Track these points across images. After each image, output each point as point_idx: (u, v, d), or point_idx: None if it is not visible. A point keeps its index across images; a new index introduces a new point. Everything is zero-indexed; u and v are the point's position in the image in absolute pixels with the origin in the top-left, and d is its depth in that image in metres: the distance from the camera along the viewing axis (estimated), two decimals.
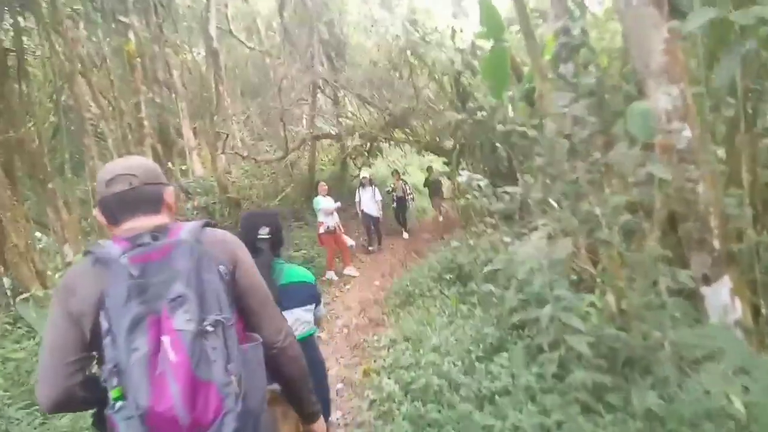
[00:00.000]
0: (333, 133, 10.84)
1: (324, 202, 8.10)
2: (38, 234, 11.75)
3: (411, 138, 12.07)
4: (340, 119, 11.21)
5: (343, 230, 8.44)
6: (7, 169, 8.54)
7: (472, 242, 5.70)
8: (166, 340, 1.11)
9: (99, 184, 1.31)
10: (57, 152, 9.93)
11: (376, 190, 9.75)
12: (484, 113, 8.67)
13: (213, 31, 9.69)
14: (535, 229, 4.10)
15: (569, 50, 4.17)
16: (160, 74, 6.69)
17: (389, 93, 10.93)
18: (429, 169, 12.75)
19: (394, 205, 11.12)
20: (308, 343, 2.15)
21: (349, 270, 8.24)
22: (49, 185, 9.04)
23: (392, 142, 13.00)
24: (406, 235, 11.04)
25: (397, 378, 3.53)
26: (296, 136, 12.04)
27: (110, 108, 10.16)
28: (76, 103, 6.19)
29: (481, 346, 3.26)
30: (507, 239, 4.12)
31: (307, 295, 2.23)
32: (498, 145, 9.96)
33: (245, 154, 11.19)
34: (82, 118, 6.15)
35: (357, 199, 9.74)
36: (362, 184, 9.73)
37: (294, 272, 2.24)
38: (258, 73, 14.29)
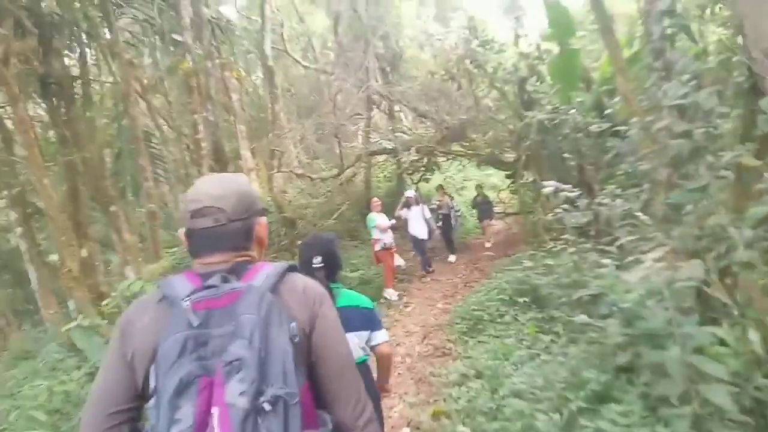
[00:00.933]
0: (389, 148, 10.46)
1: (378, 219, 7.70)
2: (112, 258, 12.14)
3: (469, 151, 11.51)
4: (396, 134, 10.86)
5: (395, 248, 7.99)
6: (71, 192, 8.80)
7: (550, 261, 5.05)
8: (215, 412, 0.92)
9: (184, 212, 1.16)
10: (119, 176, 10.23)
11: (425, 208, 8.88)
12: (553, 120, 8.01)
13: (268, 49, 9.67)
14: (635, 249, 3.47)
15: (662, 39, 3.55)
16: (213, 92, 6.57)
17: (447, 105, 10.46)
18: (478, 187, 11.89)
19: (440, 224, 9.98)
20: (360, 370, 1.89)
21: (390, 292, 7.71)
22: (112, 208, 9.23)
23: (450, 156, 12.48)
24: (452, 258, 9.99)
25: (475, 428, 2.98)
26: (351, 152, 11.79)
27: (168, 129, 10.35)
28: (133, 125, 6.15)
29: (581, 393, 2.65)
30: (605, 260, 3.47)
31: (362, 320, 2.17)
32: (566, 155, 9.24)
33: (300, 172, 11.03)
34: (138, 140, 6.08)
35: (402, 218, 8.75)
36: (407, 204, 8.76)
37: (349, 296, 2.21)
38: (313, 91, 14.26)
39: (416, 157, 11.93)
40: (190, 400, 0.93)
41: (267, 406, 0.92)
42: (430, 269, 9.02)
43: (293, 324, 1.04)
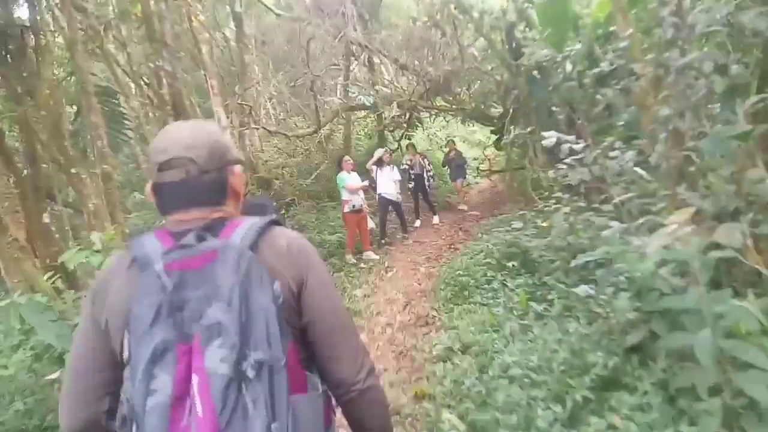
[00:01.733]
0: (368, 104, 9.82)
1: (349, 179, 7.21)
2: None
3: (454, 106, 10.92)
4: (376, 87, 10.18)
5: (368, 210, 7.53)
6: (28, 153, 8.05)
7: (543, 223, 4.64)
8: (195, 381, 0.85)
9: (151, 163, 1.04)
10: (80, 135, 9.42)
11: (395, 168, 8.25)
12: (542, 69, 7.46)
13: None
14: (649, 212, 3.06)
15: None
16: (170, 39, 5.85)
17: (430, 55, 9.77)
18: (449, 141, 10.99)
19: (411, 184, 9.34)
20: None
21: (368, 254, 7.38)
22: (72, 170, 8.52)
23: (433, 112, 11.87)
24: (436, 219, 9.40)
25: (462, 413, 2.61)
26: (329, 108, 11.10)
27: (130, 82, 9.52)
28: (80, 77, 5.44)
29: (586, 379, 2.27)
30: (612, 223, 3.04)
31: None
32: (555, 107, 8.74)
33: (273, 129, 10.35)
34: (87, 93, 5.39)
35: (373, 181, 8.12)
36: (379, 163, 8.10)
37: None
38: (288, 42, 13.33)
39: (398, 113, 11.33)
40: (166, 368, 0.87)
41: (251, 372, 0.86)
42: (405, 234, 8.47)
43: (276, 283, 0.96)
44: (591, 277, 3.63)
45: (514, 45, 7.86)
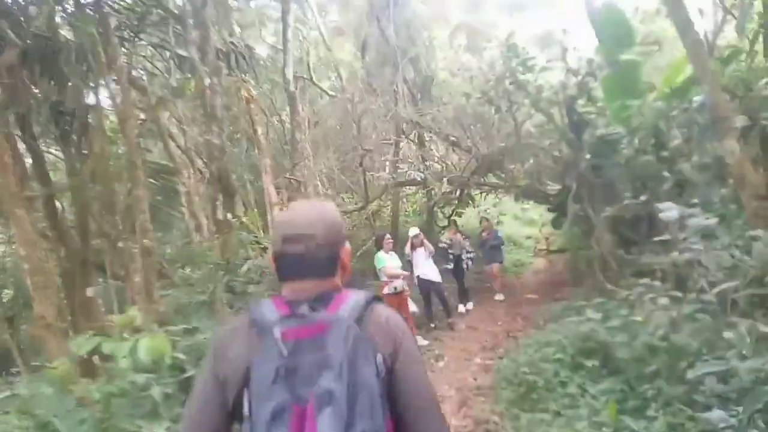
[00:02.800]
0: (418, 179, 9.54)
1: (388, 261, 6.55)
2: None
3: (506, 183, 10.47)
4: (426, 163, 9.95)
5: (409, 293, 6.86)
6: (81, 227, 8.14)
7: (634, 316, 3.90)
8: None
9: (276, 234, 1.19)
10: (132, 210, 9.59)
11: (427, 248, 7.36)
12: (611, 141, 6.96)
13: (290, 73, 9.03)
14: None
15: None
16: (219, 112, 5.86)
17: (482, 131, 9.53)
18: (482, 221, 9.73)
19: (451, 266, 8.32)
20: None
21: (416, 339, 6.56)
22: (119, 244, 8.51)
23: (485, 189, 11.46)
24: (470, 306, 8.42)
25: None
26: (378, 184, 10.93)
27: (183, 157, 9.73)
28: (130, 150, 5.44)
29: None
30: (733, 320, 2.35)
31: None
32: (620, 184, 8.12)
33: None
34: (134, 166, 5.34)
35: (408, 261, 7.32)
36: (413, 245, 7.29)
37: None
38: (340, 122, 13.61)
39: (448, 189, 10.98)
40: (283, 426, 0.95)
41: None
42: (450, 319, 7.51)
43: (379, 357, 1.04)
44: (701, 386, 2.87)
45: (575, 119, 7.46)
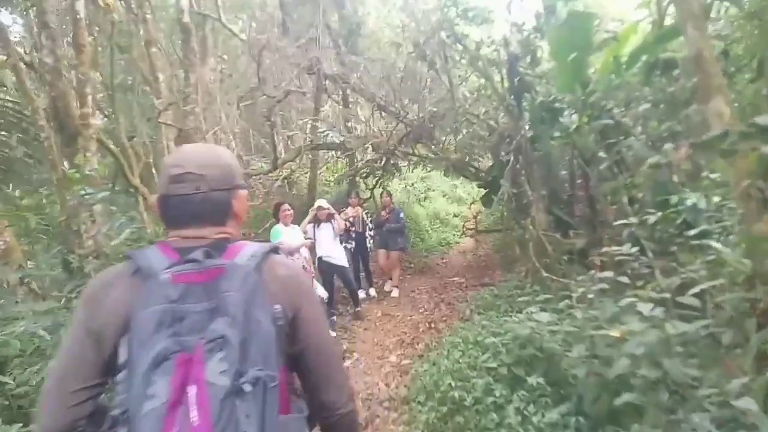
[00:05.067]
0: (336, 140, 8.25)
1: (285, 234, 5.24)
2: None
3: (436, 155, 9.49)
4: (349, 125, 8.69)
5: (314, 273, 5.72)
6: None
7: (581, 313, 3.00)
8: (191, 391, 0.86)
9: (163, 175, 1.09)
10: None
11: (335, 225, 6.10)
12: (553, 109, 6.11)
13: (184, 3, 7.33)
14: None
15: None
16: (50, 18, 4.26)
17: (413, 93, 8.41)
18: (384, 192, 8.10)
19: (350, 245, 6.88)
20: None
21: None
22: None
23: (413, 160, 10.43)
24: (372, 292, 7.21)
25: None
26: (293, 146, 9.53)
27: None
28: None
29: None
30: None
31: None
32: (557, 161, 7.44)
33: None
34: None
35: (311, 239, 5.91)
36: (316, 219, 6.02)
37: None
38: (249, 72, 11.90)
39: (372, 157, 9.84)
40: (165, 375, 0.87)
41: (247, 387, 0.88)
42: (357, 309, 6.31)
43: (277, 307, 1.01)
44: None
45: (516, 82, 6.54)
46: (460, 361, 3.78)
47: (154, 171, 13.27)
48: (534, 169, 6.84)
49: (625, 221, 3.65)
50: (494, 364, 3.45)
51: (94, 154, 6.34)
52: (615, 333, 2.32)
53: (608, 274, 3.21)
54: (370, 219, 7.32)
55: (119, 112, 12.17)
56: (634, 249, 3.31)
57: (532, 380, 3.07)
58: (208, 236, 1.07)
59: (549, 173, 7.47)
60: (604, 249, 3.42)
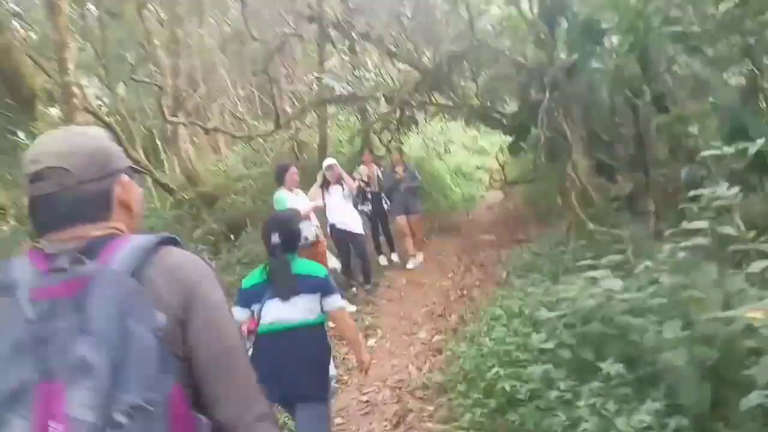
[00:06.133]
0: (346, 94, 7.38)
1: (291, 200, 4.52)
2: None
3: (456, 103, 8.57)
4: (357, 73, 7.81)
5: (324, 242, 4.99)
6: None
7: (667, 278, 2.27)
8: (55, 428, 0.72)
9: (23, 174, 0.91)
10: None
11: (345, 187, 5.40)
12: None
13: None
14: None
15: None
16: None
17: (426, 32, 7.46)
18: (395, 153, 7.18)
19: (366, 208, 6.06)
20: (312, 331, 2.31)
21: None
22: None
23: (430, 110, 9.53)
24: (395, 257, 6.47)
25: None
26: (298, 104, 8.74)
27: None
28: None
29: None
30: None
31: (310, 285, 2.30)
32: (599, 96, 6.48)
33: (211, 126, 7.92)
34: None
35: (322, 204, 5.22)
36: (326, 182, 5.32)
37: (302, 265, 2.38)
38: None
39: (386, 110, 8.99)
40: (22, 413, 0.74)
41: (120, 418, 0.73)
42: (369, 284, 5.50)
43: (159, 314, 0.82)
44: None
45: (548, 4, 5.55)
46: (507, 340, 3.09)
47: (158, 143, 12.72)
48: (571, 105, 5.95)
49: (714, 152, 2.82)
50: (551, 345, 2.75)
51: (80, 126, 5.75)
52: (755, 314, 1.57)
53: (702, 223, 2.43)
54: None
55: (114, 81, 11.53)
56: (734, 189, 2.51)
57: (607, 367, 2.36)
58: (85, 236, 0.89)
59: (588, 110, 6.56)
60: (697, 191, 2.58)
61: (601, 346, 2.58)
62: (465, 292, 5.07)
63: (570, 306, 2.94)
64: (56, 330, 0.77)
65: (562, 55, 5.85)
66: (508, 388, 2.64)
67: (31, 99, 4.17)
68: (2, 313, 0.79)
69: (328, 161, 5.44)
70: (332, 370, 2.44)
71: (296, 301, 2.25)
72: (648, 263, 2.65)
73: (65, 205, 0.88)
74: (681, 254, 2.45)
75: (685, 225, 2.44)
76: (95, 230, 0.89)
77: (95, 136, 0.97)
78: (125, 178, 0.97)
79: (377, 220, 6.28)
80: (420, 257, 6.41)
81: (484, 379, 2.88)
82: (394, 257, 6.49)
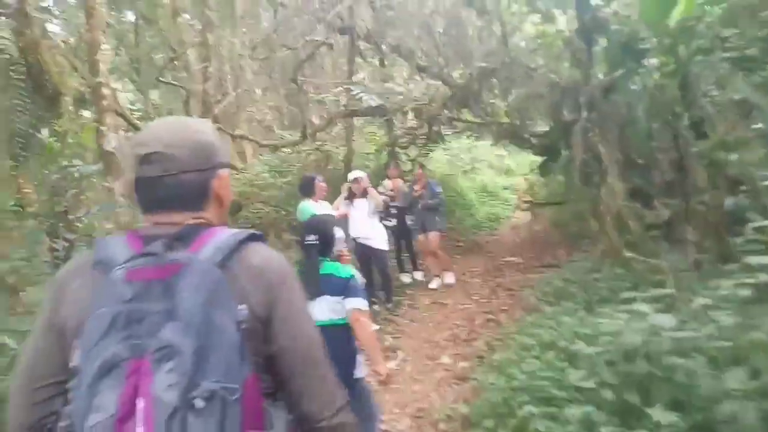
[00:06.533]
0: (373, 104, 7.27)
1: (319, 211, 4.33)
2: None
3: (485, 119, 8.39)
4: (386, 85, 7.70)
5: (349, 256, 4.79)
6: None
7: (728, 317, 2.04)
8: (140, 405, 0.77)
9: (131, 155, 0.96)
10: None
11: (371, 201, 5.19)
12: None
13: None
14: None
15: None
16: None
17: (457, 46, 7.34)
18: (416, 168, 6.82)
19: (391, 223, 5.88)
20: (340, 330, 2.31)
21: None
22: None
23: (459, 127, 9.38)
24: (418, 275, 6.27)
25: None
26: (325, 115, 8.68)
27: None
28: None
29: None
30: None
31: (335, 287, 2.34)
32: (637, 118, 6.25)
33: (239, 133, 7.89)
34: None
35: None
36: (351, 194, 5.18)
37: (330, 266, 2.42)
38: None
39: (413, 124, 8.88)
40: (113, 385, 0.78)
41: (199, 403, 0.76)
42: (390, 302, 5.31)
43: (242, 307, 0.87)
44: None
45: (587, 20, 5.37)
46: (540, 374, 2.87)
47: None
48: (608, 126, 5.71)
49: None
50: (591, 384, 2.53)
51: (110, 129, 5.76)
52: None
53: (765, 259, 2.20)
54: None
55: (147, 86, 11.70)
56: None
57: (657, 414, 2.12)
58: (180, 222, 0.93)
59: (623, 132, 6.32)
60: (758, 223, 2.35)
61: (647, 388, 2.35)
62: (491, 316, 4.84)
63: (611, 341, 2.72)
64: (148, 311, 0.81)
65: (600, 75, 5.64)
66: (543, 429, 2.42)
67: (57, 97, 4.15)
68: (99, 289, 0.84)
69: (355, 173, 5.32)
70: (359, 372, 2.40)
71: (321, 301, 2.30)
72: (705, 300, 2.41)
73: (167, 190, 0.93)
74: (742, 292, 2.21)
75: (749, 260, 2.21)
76: (189, 218, 0.94)
77: (203, 129, 1.00)
78: (224, 172, 1.01)
79: (401, 236, 6.12)
80: (449, 278, 6.16)
81: (514, 415, 2.67)
82: (418, 275, 6.30)
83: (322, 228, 2.47)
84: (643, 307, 2.63)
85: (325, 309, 2.30)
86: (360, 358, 2.41)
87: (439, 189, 6.22)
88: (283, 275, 0.96)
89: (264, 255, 0.96)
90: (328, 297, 2.32)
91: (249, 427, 0.82)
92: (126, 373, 0.78)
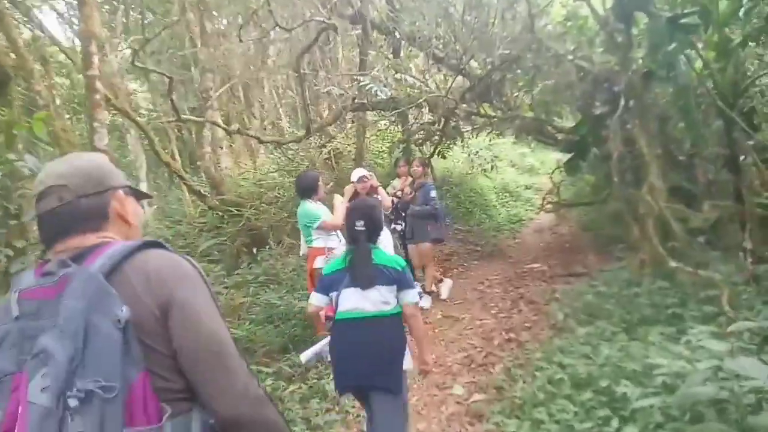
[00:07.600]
0: (383, 96, 6.65)
1: (325, 213, 3.97)
2: None
3: (506, 114, 7.72)
4: (398, 77, 7.09)
5: None
6: None
7: None
8: (20, 411, 0.84)
9: (33, 198, 1.06)
10: None
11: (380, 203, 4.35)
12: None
13: None
14: None
15: None
16: None
17: (477, 33, 6.70)
18: (409, 163, 5.77)
19: (399, 226, 5.30)
20: (389, 321, 2.29)
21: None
22: None
23: (477, 122, 8.71)
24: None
25: None
26: (333, 109, 8.11)
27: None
28: None
29: None
30: None
31: (387, 277, 2.29)
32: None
33: (235, 129, 7.37)
34: None
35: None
36: (355, 195, 4.42)
37: (381, 255, 2.35)
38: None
39: (429, 119, 8.27)
40: (2, 399, 0.86)
41: (73, 402, 0.80)
42: None
43: (124, 308, 0.88)
44: None
45: (625, 3, 4.67)
46: (576, 425, 2.25)
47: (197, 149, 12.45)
48: (647, 118, 5.02)
49: None
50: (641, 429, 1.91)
51: (103, 125, 5.34)
52: None
53: None
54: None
55: (155, 84, 11.34)
56: None
57: None
58: (81, 245, 0.98)
59: (664, 125, 5.63)
60: None
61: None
62: (512, 335, 4.20)
63: (667, 383, 2.09)
64: (41, 328, 0.86)
65: (640, 59, 4.96)
66: None
67: (4, 80, 3.68)
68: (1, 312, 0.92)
69: (360, 172, 4.71)
70: (407, 364, 2.35)
71: (373, 291, 2.26)
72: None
73: (65, 218, 0.99)
74: None
75: None
76: (90, 240, 0.99)
77: (92, 158, 1.09)
78: (121, 193, 1.06)
79: (406, 242, 5.41)
80: (444, 290, 5.45)
81: None
82: (444, 293, 5.44)
83: (368, 213, 2.40)
84: (711, 344, 2.01)
85: (377, 299, 2.25)
86: (408, 350, 2.35)
87: (434, 194, 5.33)
88: (178, 276, 0.97)
89: (162, 260, 0.98)
90: (380, 287, 2.26)
91: (137, 423, 0.84)
92: (11, 386, 0.85)
